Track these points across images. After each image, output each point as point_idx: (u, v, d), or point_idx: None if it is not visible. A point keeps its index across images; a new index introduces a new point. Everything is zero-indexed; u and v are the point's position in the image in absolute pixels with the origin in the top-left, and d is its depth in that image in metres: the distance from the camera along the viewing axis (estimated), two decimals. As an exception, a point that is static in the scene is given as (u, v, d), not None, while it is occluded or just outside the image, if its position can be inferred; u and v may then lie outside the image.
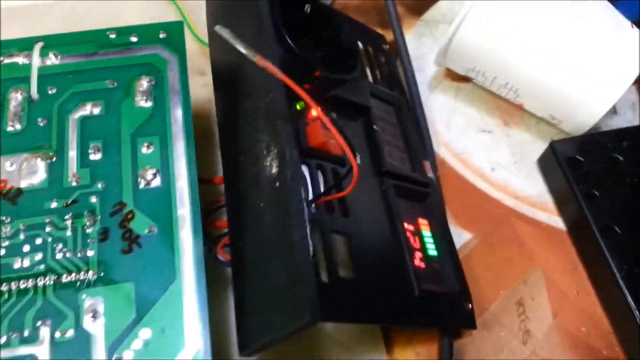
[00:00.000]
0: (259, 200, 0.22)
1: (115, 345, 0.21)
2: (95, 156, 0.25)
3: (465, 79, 0.36)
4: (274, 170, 0.22)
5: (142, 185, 0.24)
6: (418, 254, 0.27)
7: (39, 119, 0.25)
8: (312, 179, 0.25)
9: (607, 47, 0.31)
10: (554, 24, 0.31)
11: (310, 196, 0.25)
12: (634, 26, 0.32)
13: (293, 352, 0.26)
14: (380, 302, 0.24)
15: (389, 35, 0.37)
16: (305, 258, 0.20)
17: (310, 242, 0.21)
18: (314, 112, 0.27)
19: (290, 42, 0.27)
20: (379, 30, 0.38)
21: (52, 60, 0.26)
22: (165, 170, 0.24)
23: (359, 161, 0.28)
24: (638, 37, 0.31)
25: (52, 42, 0.27)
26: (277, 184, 0.22)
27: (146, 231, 0.23)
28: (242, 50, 0.20)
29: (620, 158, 0.32)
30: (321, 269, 0.22)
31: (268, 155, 0.23)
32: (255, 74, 0.23)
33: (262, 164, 0.23)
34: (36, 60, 0.26)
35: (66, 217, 0.23)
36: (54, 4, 0.36)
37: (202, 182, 0.30)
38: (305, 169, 0.25)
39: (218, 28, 0.20)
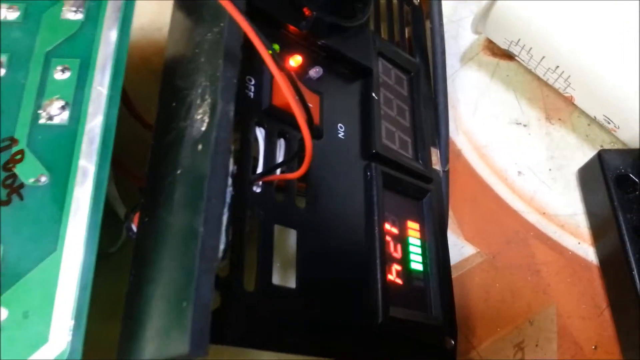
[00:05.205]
0: (177, 165, 0.17)
1: (-39, 324, 0.16)
2: (-6, 74, 0.19)
3: (509, 56, 0.29)
4: (203, 127, 0.16)
5: (42, 119, 0.18)
6: (396, 267, 0.21)
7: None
8: (267, 148, 0.19)
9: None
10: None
11: (260, 170, 0.19)
12: None
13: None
14: (325, 326, 0.18)
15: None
16: (206, 262, 0.14)
17: (223, 238, 0.15)
18: (292, 62, 0.21)
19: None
20: (414, -18, 0.31)
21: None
22: (77, 105, 0.19)
23: (343, 135, 0.22)
24: None
25: None
26: (200, 146, 0.16)
27: (32, 180, 0.18)
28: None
29: (688, 187, 0.24)
30: (246, 273, 0.17)
31: (201, 105, 0.17)
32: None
33: (193, 116, 0.17)
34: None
35: (-62, 145, 0.18)
36: None
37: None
38: (259, 134, 0.19)
39: None
